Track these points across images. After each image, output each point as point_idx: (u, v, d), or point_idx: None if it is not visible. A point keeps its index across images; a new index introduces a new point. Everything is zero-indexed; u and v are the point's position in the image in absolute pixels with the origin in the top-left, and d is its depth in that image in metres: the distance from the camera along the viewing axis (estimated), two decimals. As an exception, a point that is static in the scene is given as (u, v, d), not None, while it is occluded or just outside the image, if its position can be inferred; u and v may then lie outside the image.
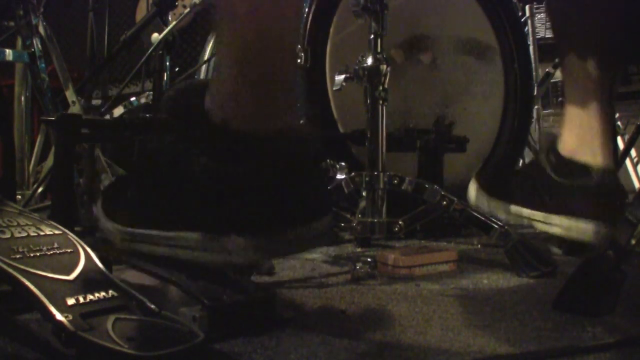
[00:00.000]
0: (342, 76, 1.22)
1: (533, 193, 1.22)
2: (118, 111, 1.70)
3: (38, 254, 0.62)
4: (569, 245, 1.12)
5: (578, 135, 1.19)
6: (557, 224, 1.15)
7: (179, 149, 0.67)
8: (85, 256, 0.65)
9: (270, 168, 0.63)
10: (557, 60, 1.96)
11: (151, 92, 1.44)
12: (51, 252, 0.64)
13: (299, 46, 1.48)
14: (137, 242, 0.71)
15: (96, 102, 1.77)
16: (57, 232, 0.68)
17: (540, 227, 1.16)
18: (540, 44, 2.62)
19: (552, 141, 1.23)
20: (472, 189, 1.34)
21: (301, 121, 1.18)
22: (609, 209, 1.10)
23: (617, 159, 1.53)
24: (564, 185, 1.16)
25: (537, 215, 1.19)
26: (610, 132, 1.16)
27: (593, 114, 1.17)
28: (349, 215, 1.19)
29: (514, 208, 1.24)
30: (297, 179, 0.65)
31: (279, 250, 0.66)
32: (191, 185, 0.66)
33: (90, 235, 0.96)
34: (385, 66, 1.17)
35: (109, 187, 0.82)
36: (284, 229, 0.63)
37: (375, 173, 1.17)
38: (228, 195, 0.63)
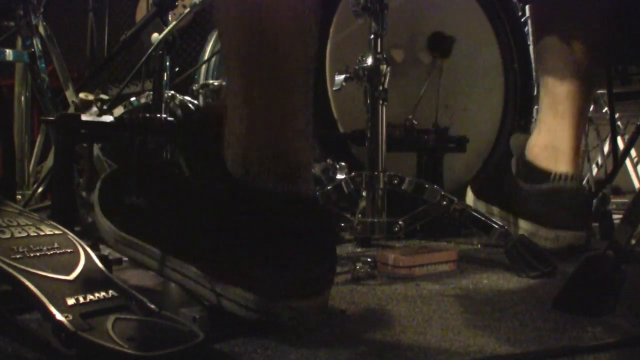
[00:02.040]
0: (342, 76, 1.22)
1: (505, 196, 1.23)
2: (118, 111, 1.70)
3: (38, 254, 0.62)
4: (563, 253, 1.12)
5: (544, 140, 1.19)
6: (523, 228, 1.16)
7: (192, 189, 0.67)
8: (85, 256, 0.65)
9: (284, 231, 0.62)
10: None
11: (151, 92, 1.44)
12: (51, 252, 0.64)
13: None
14: (131, 249, 0.71)
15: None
16: (57, 232, 0.68)
17: (513, 229, 1.17)
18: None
19: (521, 144, 1.23)
20: (468, 198, 1.35)
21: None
22: (570, 216, 1.10)
23: (617, 155, 1.53)
24: (526, 190, 1.17)
25: (510, 217, 1.21)
26: (577, 139, 1.16)
27: (561, 121, 1.17)
28: (349, 215, 1.19)
29: (494, 209, 1.25)
30: (311, 245, 0.63)
31: (276, 316, 0.62)
32: (199, 221, 0.65)
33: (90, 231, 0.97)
34: (385, 66, 1.17)
35: (108, 180, 0.80)
36: (287, 296, 0.62)
37: (375, 173, 1.17)
38: (238, 246, 0.62)
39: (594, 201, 1.26)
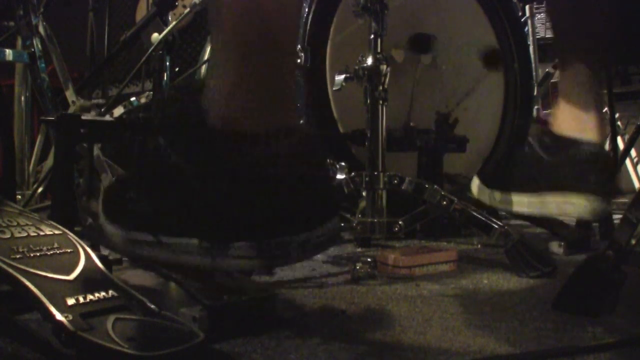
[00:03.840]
0: (342, 76, 1.22)
1: (528, 178, 1.23)
2: (118, 111, 1.70)
3: (38, 254, 0.62)
4: (569, 243, 1.13)
5: (569, 112, 1.20)
6: (551, 202, 1.16)
7: (176, 152, 0.66)
8: (85, 256, 0.65)
9: (272, 169, 0.62)
10: (556, 60, 1.97)
11: (151, 92, 1.44)
12: (51, 252, 0.64)
13: (299, 46, 1.48)
14: (136, 245, 0.71)
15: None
16: (57, 232, 0.68)
17: (539, 211, 1.17)
18: (540, 44, 2.62)
19: (540, 130, 1.24)
20: (474, 185, 1.34)
21: (301, 121, 1.18)
22: (599, 180, 1.11)
23: (617, 155, 1.54)
24: (554, 162, 1.18)
25: (534, 199, 1.20)
26: (600, 108, 1.18)
27: (585, 92, 1.18)
28: (349, 215, 1.19)
29: (514, 197, 1.25)
30: (302, 180, 0.63)
31: (283, 257, 0.63)
32: (189, 189, 0.65)
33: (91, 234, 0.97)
34: (385, 66, 1.17)
35: (110, 189, 0.81)
36: (289, 234, 0.62)
37: (375, 173, 1.17)
38: (229, 199, 0.62)
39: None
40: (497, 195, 1.28)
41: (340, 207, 0.68)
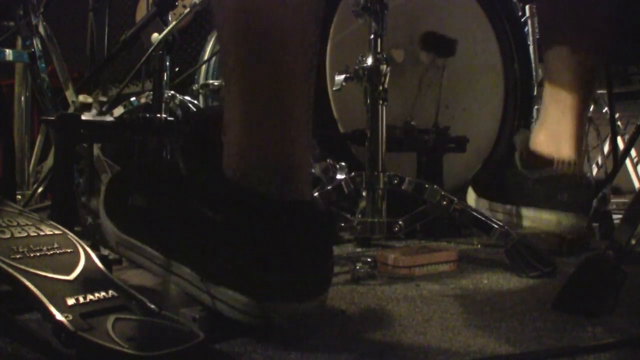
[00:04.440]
0: (342, 76, 1.22)
1: (508, 189, 1.24)
2: (118, 111, 1.70)
3: (38, 254, 0.62)
4: (568, 245, 1.13)
5: (547, 131, 1.22)
6: (527, 217, 1.18)
7: (189, 191, 0.66)
8: (85, 256, 0.65)
9: (280, 234, 0.61)
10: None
11: (151, 92, 1.44)
12: (51, 252, 0.64)
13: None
14: (133, 252, 0.71)
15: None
16: (57, 232, 0.68)
17: (516, 221, 1.19)
18: (540, 44, 2.61)
19: (525, 139, 1.26)
20: (470, 198, 1.35)
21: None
22: (572, 198, 1.13)
23: (617, 155, 1.54)
24: (530, 178, 1.20)
25: (513, 210, 1.22)
26: (579, 130, 1.19)
27: (564, 111, 1.20)
28: (349, 215, 1.19)
29: (497, 206, 1.27)
30: (305, 248, 0.63)
31: (269, 320, 0.62)
32: (195, 223, 0.64)
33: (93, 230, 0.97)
34: (385, 66, 1.17)
35: (113, 182, 0.80)
36: (287, 299, 0.61)
37: (375, 173, 1.17)
38: (235, 248, 0.61)
39: (594, 201, 1.27)
40: (482, 203, 1.30)
41: (332, 279, 0.68)
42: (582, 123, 1.22)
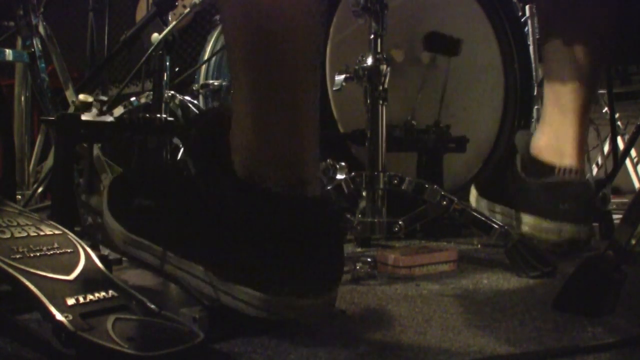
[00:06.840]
0: (342, 76, 1.21)
1: (509, 193, 1.23)
2: (118, 111, 1.70)
3: (38, 254, 0.62)
4: (564, 248, 1.13)
5: (548, 136, 1.21)
6: (526, 223, 1.17)
7: (199, 190, 0.66)
8: (85, 256, 0.65)
9: (295, 231, 0.62)
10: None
11: (151, 92, 1.44)
12: (51, 252, 0.64)
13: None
14: (142, 250, 0.71)
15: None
16: (57, 232, 0.68)
17: (516, 224, 1.18)
18: (540, 44, 2.61)
19: (526, 141, 1.25)
20: (472, 190, 1.35)
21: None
22: (574, 208, 1.11)
23: (617, 155, 1.54)
24: (531, 184, 1.18)
25: (513, 213, 1.21)
26: (581, 134, 1.18)
27: (565, 117, 1.18)
28: (349, 215, 1.19)
29: (497, 207, 1.26)
30: (316, 244, 0.63)
31: (283, 314, 0.62)
32: (207, 222, 0.64)
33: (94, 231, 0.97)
34: (385, 66, 1.17)
35: (116, 181, 0.80)
36: (303, 295, 0.62)
37: (375, 173, 1.17)
38: (249, 246, 0.62)
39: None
40: (483, 203, 1.29)
41: (342, 275, 0.68)
42: (584, 126, 1.20)
